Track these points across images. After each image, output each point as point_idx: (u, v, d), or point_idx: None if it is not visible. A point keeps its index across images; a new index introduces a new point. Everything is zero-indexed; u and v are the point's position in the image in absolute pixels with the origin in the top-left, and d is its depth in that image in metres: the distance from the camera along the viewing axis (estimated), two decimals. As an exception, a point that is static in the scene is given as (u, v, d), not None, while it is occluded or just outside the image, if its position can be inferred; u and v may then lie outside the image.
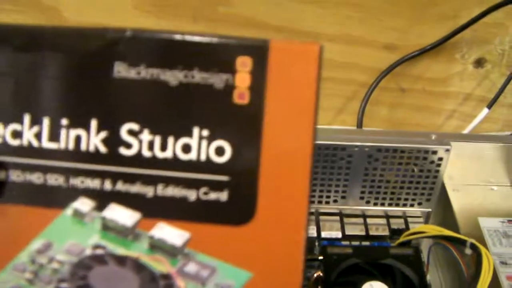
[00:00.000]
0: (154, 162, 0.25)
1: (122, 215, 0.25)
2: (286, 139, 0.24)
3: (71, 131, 0.25)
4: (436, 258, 0.58)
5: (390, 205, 0.58)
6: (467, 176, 0.58)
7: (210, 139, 0.24)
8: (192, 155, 0.24)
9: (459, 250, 0.51)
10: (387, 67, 0.71)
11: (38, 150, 0.25)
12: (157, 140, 0.24)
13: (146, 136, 0.25)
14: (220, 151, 0.24)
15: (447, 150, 0.54)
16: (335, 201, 0.57)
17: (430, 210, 0.58)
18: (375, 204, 0.58)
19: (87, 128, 0.25)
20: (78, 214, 0.25)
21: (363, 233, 0.56)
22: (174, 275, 0.24)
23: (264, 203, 0.24)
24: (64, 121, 0.25)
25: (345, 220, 0.57)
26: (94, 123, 0.25)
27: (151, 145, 0.24)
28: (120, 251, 0.25)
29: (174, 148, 0.24)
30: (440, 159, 0.54)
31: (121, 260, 0.25)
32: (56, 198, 0.25)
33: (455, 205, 0.56)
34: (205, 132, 0.24)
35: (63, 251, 0.25)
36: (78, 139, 0.25)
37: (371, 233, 0.56)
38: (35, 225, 0.25)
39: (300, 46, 0.24)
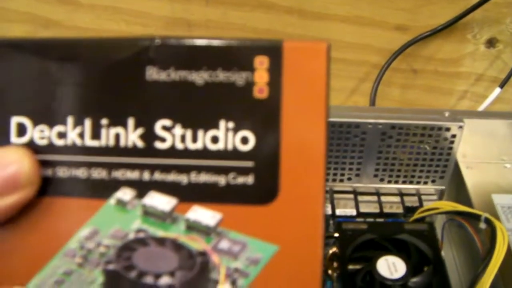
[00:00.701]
0: (186, 153, 0.27)
1: (161, 201, 0.27)
2: (302, 126, 0.27)
3: (111, 129, 0.27)
4: (449, 236, 0.58)
5: (404, 182, 0.58)
6: (480, 154, 0.58)
7: (235, 130, 0.27)
8: (220, 145, 0.27)
9: (473, 226, 0.51)
10: (399, 48, 0.71)
11: (81, 148, 0.27)
12: (188, 133, 0.27)
13: (178, 130, 0.27)
14: (244, 140, 0.27)
15: (460, 127, 0.54)
16: (349, 179, 0.58)
17: (443, 187, 0.58)
18: (389, 182, 0.58)
19: (125, 126, 0.27)
20: (120, 203, 0.27)
21: (377, 210, 0.57)
22: (210, 251, 0.27)
23: (286, 184, 0.27)
24: (104, 121, 0.27)
25: (359, 198, 0.58)
26: (131, 122, 0.27)
27: (183, 138, 0.27)
28: (160, 233, 0.27)
29: (204, 139, 0.27)
30: (454, 136, 0.55)
31: (161, 241, 0.27)
32: (100, 190, 0.27)
33: (468, 183, 0.56)
34: (231, 124, 0.27)
35: (109, 236, 0.27)
36: (117, 136, 0.27)
37: (385, 210, 0.57)
38: (82, 215, 0.27)
39: (310, 44, 0.27)
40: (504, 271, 0.46)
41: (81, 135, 0.27)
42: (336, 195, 0.58)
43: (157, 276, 0.27)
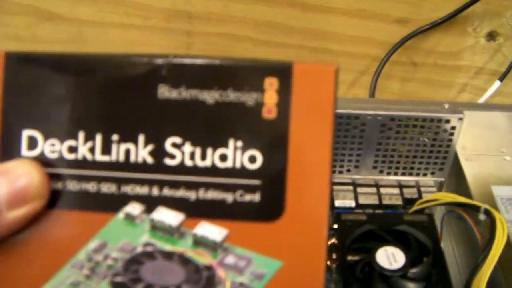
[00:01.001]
0: (195, 170, 0.28)
1: (169, 216, 0.28)
2: (308, 147, 0.27)
3: (121, 145, 0.28)
4: (449, 228, 0.58)
5: (403, 174, 0.58)
6: (480, 146, 0.58)
7: (244, 149, 0.28)
8: (228, 163, 0.28)
9: (473, 218, 0.51)
10: (399, 40, 0.71)
11: (92, 163, 0.28)
12: (198, 151, 0.28)
13: (188, 148, 0.28)
14: (252, 159, 0.28)
15: (460, 119, 0.54)
16: (348, 170, 0.58)
17: (443, 179, 0.58)
18: (388, 174, 0.58)
19: (135, 142, 0.28)
20: (129, 217, 0.28)
21: (376, 202, 0.57)
22: (216, 266, 0.27)
23: (292, 202, 0.27)
24: (115, 137, 0.28)
25: (358, 189, 0.58)
26: (141, 138, 0.28)
27: (192, 156, 0.28)
28: (168, 247, 0.28)
29: (212, 157, 0.28)
30: (453, 128, 0.55)
31: (168, 255, 0.28)
32: (110, 204, 0.28)
33: (468, 174, 0.56)
34: (239, 143, 0.28)
35: (117, 249, 0.28)
36: (127, 152, 0.28)
37: (384, 202, 0.57)
38: (91, 228, 0.28)
39: (319, 67, 0.27)
40: (503, 262, 0.46)
41: (92, 150, 0.28)
42: (335, 187, 0.58)
43: None
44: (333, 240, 0.50)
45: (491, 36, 0.72)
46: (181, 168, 0.28)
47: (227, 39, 0.74)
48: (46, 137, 0.28)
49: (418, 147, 0.56)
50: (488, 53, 0.73)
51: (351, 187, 0.58)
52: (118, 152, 0.28)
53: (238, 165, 0.28)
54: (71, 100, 0.28)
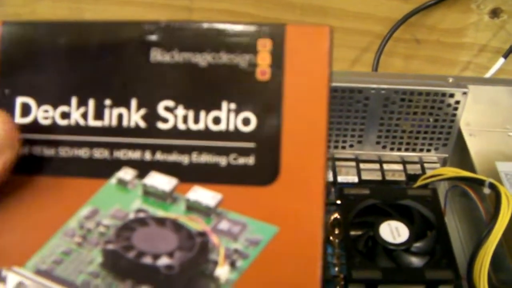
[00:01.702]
0: (188, 134, 0.28)
1: (161, 181, 0.28)
2: (303, 108, 0.27)
3: (114, 110, 0.28)
4: (452, 204, 0.58)
5: (406, 150, 0.57)
6: (484, 122, 0.58)
7: (237, 111, 0.27)
8: (222, 126, 0.27)
9: (477, 193, 0.50)
10: (402, 17, 0.70)
11: (84, 128, 0.28)
12: (191, 114, 0.28)
13: (180, 111, 0.28)
14: (246, 121, 0.27)
15: (465, 93, 0.53)
16: (351, 146, 0.57)
17: (446, 155, 0.58)
18: (392, 149, 0.57)
19: (128, 106, 0.28)
20: (121, 182, 0.28)
21: (379, 178, 0.56)
22: (209, 232, 0.27)
23: (287, 165, 0.27)
24: (108, 102, 0.28)
25: (361, 165, 0.57)
26: (134, 102, 0.28)
27: (185, 119, 0.28)
28: (160, 213, 0.28)
29: (205, 120, 0.28)
30: (457, 102, 0.54)
31: (161, 222, 0.27)
32: (102, 169, 0.28)
33: (472, 150, 0.55)
34: (233, 106, 0.27)
35: (109, 216, 0.28)
36: (120, 116, 0.28)
37: (388, 178, 0.56)
38: (82, 194, 0.28)
39: (312, 28, 0.27)
40: (508, 237, 0.45)
41: (85, 116, 0.28)
42: (338, 163, 0.57)
43: (156, 256, 0.27)
44: (336, 215, 0.50)
45: (495, 13, 0.72)
46: (174, 132, 0.28)
47: (228, 15, 0.73)
48: (40, 103, 0.28)
49: (422, 122, 0.55)
50: (491, 30, 0.73)
51: (354, 163, 0.57)
52: (110, 117, 0.28)
53: (231, 128, 0.27)
54: (64, 67, 0.28)
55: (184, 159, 0.28)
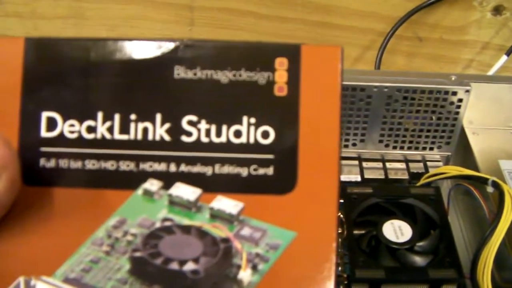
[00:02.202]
0: (211, 146, 0.29)
1: (186, 192, 0.29)
2: (318, 121, 0.29)
3: (139, 124, 0.29)
4: (455, 203, 0.57)
5: (409, 148, 0.57)
6: (486, 120, 0.58)
7: (257, 125, 0.29)
8: (243, 139, 0.29)
9: (480, 192, 0.50)
10: (404, 15, 0.70)
11: (110, 142, 0.29)
12: (213, 128, 0.29)
13: (203, 125, 0.29)
14: (265, 134, 0.29)
15: (467, 91, 0.53)
16: (354, 144, 0.57)
17: (449, 153, 0.58)
18: (394, 148, 0.57)
19: (153, 121, 0.29)
20: (148, 193, 0.29)
21: (382, 177, 0.56)
22: (232, 238, 0.28)
23: (303, 175, 0.29)
24: (133, 116, 0.29)
25: (364, 164, 0.57)
26: (159, 117, 0.29)
27: (208, 133, 0.29)
28: (185, 221, 0.29)
29: (227, 134, 0.29)
30: (460, 100, 0.54)
31: (186, 229, 0.29)
32: (128, 181, 0.29)
33: (475, 149, 0.55)
34: (253, 120, 0.29)
35: (136, 225, 0.29)
36: (145, 130, 0.29)
37: (390, 177, 0.56)
38: (110, 205, 0.29)
39: (325, 48, 0.29)
40: (509, 236, 0.45)
41: (110, 130, 0.29)
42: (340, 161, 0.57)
43: (182, 262, 0.28)
44: (339, 214, 0.50)
45: (497, 10, 0.71)
46: (197, 145, 0.29)
47: (230, 13, 0.73)
48: (65, 118, 0.29)
49: (425, 121, 0.55)
50: (494, 27, 0.72)
51: (356, 162, 0.57)
52: (136, 131, 0.29)
53: (252, 140, 0.29)
54: (90, 83, 0.29)
55: (208, 170, 0.29)
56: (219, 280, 0.28)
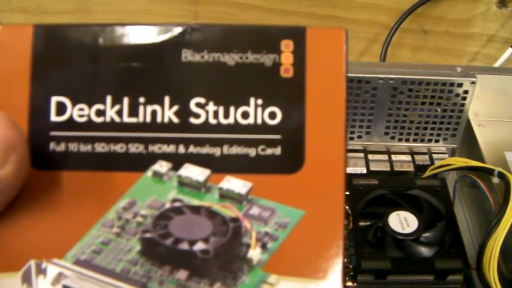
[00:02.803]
0: (219, 128, 0.29)
1: (195, 172, 0.29)
2: (324, 102, 0.29)
3: (148, 107, 0.29)
4: (461, 196, 0.57)
5: (415, 141, 0.57)
6: (492, 112, 0.58)
7: (264, 106, 0.29)
8: (250, 120, 0.29)
9: (486, 183, 0.50)
10: (409, 8, 0.70)
11: (120, 125, 0.29)
12: (221, 109, 0.29)
13: (211, 107, 0.29)
14: (272, 115, 0.29)
15: (473, 83, 0.53)
16: (359, 137, 0.57)
17: (455, 146, 0.58)
18: (400, 140, 0.57)
19: (161, 104, 0.29)
20: (157, 175, 0.29)
21: (388, 169, 0.56)
22: (241, 218, 0.29)
23: (311, 154, 0.29)
24: (142, 99, 0.29)
25: (370, 156, 0.57)
26: (167, 99, 0.29)
27: (216, 114, 0.29)
28: (195, 202, 0.29)
29: (235, 115, 0.29)
30: (466, 92, 0.54)
31: (196, 210, 0.29)
32: (138, 163, 0.29)
33: (480, 141, 0.55)
34: (260, 101, 0.29)
35: (146, 206, 0.29)
36: (154, 113, 0.29)
37: (396, 169, 0.56)
38: (120, 187, 0.29)
39: (330, 30, 0.30)
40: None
41: (119, 113, 0.29)
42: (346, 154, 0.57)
43: (192, 242, 0.28)
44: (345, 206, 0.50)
45: (503, 2, 0.71)
46: (206, 126, 0.29)
47: (234, 7, 0.73)
48: (74, 102, 0.29)
49: (430, 113, 0.55)
50: (499, 20, 0.72)
51: (362, 154, 0.57)
52: (145, 113, 0.29)
53: (259, 121, 0.29)
54: (98, 67, 0.30)
55: (216, 151, 0.29)
56: (229, 259, 0.28)
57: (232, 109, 0.29)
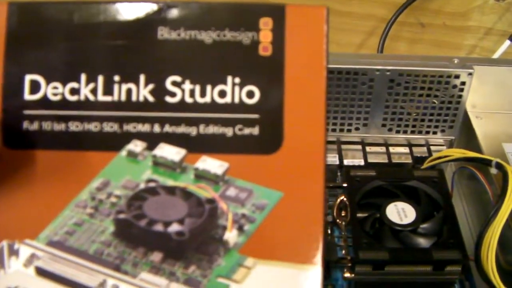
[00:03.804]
0: (195, 107, 0.29)
1: (170, 152, 0.29)
2: (304, 81, 0.29)
3: (123, 85, 0.29)
4: (459, 188, 0.57)
5: (412, 132, 0.57)
6: (490, 103, 0.57)
7: (242, 85, 0.29)
8: (227, 99, 0.29)
9: (484, 174, 0.50)
10: (406, 0, 0.70)
11: (94, 103, 0.29)
12: (197, 88, 0.29)
13: (187, 85, 0.29)
14: (250, 94, 0.29)
15: (470, 74, 0.53)
16: (357, 129, 0.57)
17: (453, 137, 0.57)
18: (398, 132, 0.57)
19: (136, 82, 0.29)
20: (132, 154, 0.29)
21: (385, 161, 0.56)
22: (218, 199, 0.28)
23: (289, 134, 0.29)
24: (117, 78, 0.29)
25: (367, 148, 0.57)
26: (142, 78, 0.29)
27: (192, 93, 0.29)
28: (170, 182, 0.29)
29: (212, 94, 0.29)
30: (463, 83, 0.53)
31: (171, 190, 0.29)
32: (112, 142, 0.29)
33: (478, 132, 0.55)
34: (237, 80, 0.29)
35: (120, 186, 0.29)
36: (129, 91, 0.29)
37: (394, 161, 0.56)
38: (94, 167, 0.29)
39: (310, 8, 0.29)
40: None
41: (94, 91, 0.29)
42: (343, 146, 0.57)
43: (167, 224, 0.28)
44: (342, 197, 0.50)
45: (500, -5, 0.71)
46: (182, 105, 0.29)
47: None
48: (49, 80, 0.29)
49: (428, 104, 0.55)
50: (497, 13, 0.72)
51: (359, 146, 0.57)
52: (119, 92, 0.29)
53: (236, 100, 0.29)
54: (73, 45, 0.29)
55: (192, 130, 0.29)
56: (205, 241, 0.28)
57: (209, 87, 0.29)
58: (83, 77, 0.29)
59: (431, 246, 0.45)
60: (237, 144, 0.29)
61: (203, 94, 0.29)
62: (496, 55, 0.68)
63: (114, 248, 0.28)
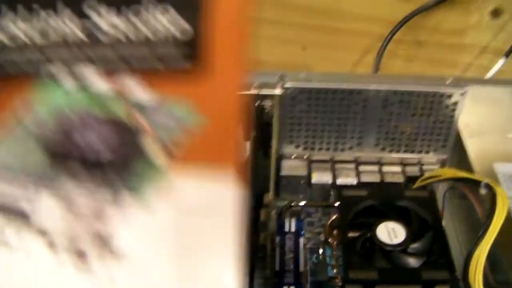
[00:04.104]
0: (113, 28, 0.29)
1: (95, 78, 0.29)
2: (225, 4, 0.28)
3: (42, 12, 0.29)
4: (451, 208, 0.58)
5: (405, 151, 0.58)
6: (482, 123, 0.58)
7: (157, 3, 0.29)
8: (144, 18, 0.29)
9: (475, 195, 0.50)
10: (402, 18, 0.70)
11: (15, 32, 0.29)
12: (113, 10, 0.29)
13: (104, 8, 0.29)
14: (168, 15, 0.29)
15: (463, 94, 0.53)
16: (350, 148, 0.57)
17: (445, 157, 0.58)
18: (391, 151, 0.57)
19: (54, 8, 0.29)
20: (56, 81, 0.29)
21: (378, 180, 0.56)
22: (145, 125, 0.29)
23: (211, 59, 0.29)
24: (35, 6, 0.29)
25: (361, 168, 0.57)
26: (60, 4, 0.29)
27: (109, 15, 0.29)
28: (96, 110, 0.29)
29: (127, 14, 0.29)
30: (455, 103, 0.54)
31: (98, 118, 0.29)
32: (35, 69, 0.29)
33: (470, 152, 0.55)
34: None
35: (46, 114, 0.29)
36: (48, 17, 0.29)
37: (387, 180, 0.57)
38: (19, 94, 0.29)
39: None
40: (503, 237, 0.45)
41: (14, 21, 0.29)
42: (337, 165, 0.57)
43: (97, 152, 0.28)
44: (334, 217, 0.50)
45: (496, 13, 0.72)
46: (101, 28, 0.29)
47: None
48: None
49: (421, 124, 0.55)
50: (492, 31, 0.73)
51: (353, 165, 0.58)
52: (39, 19, 0.29)
53: (152, 20, 0.29)
54: None
55: (113, 54, 0.29)
56: (134, 165, 0.28)
57: (124, 8, 0.29)
58: (3, 7, 0.29)
59: (420, 266, 0.45)
60: (160, 68, 0.29)
61: (119, 15, 0.29)
62: (490, 73, 0.68)
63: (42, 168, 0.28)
